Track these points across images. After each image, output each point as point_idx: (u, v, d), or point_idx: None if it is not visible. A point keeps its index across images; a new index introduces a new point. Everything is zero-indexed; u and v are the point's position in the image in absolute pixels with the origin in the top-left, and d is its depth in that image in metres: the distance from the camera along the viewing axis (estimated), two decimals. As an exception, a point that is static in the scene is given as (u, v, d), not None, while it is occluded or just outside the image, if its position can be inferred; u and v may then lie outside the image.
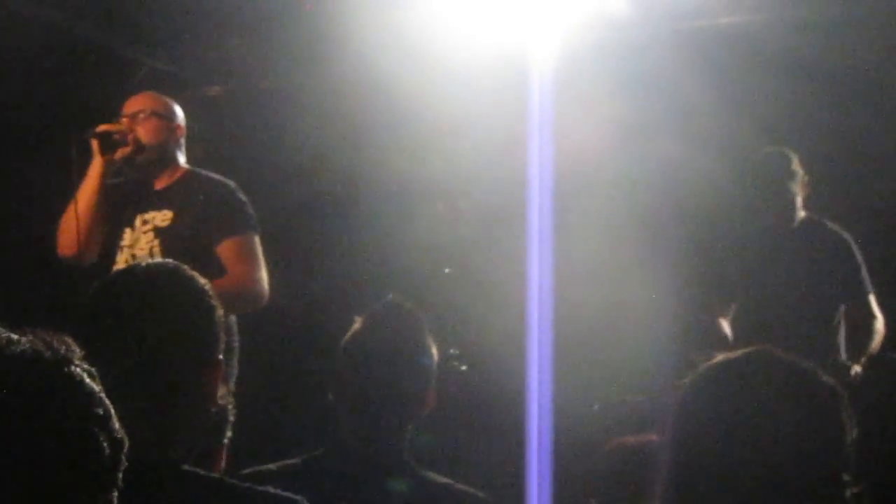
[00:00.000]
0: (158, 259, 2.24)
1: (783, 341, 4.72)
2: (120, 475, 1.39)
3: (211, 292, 2.08)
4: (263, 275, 4.22)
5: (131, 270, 2.24)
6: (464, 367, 5.81)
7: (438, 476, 2.65)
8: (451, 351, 5.73)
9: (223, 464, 3.01)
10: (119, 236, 4.26)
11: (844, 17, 5.57)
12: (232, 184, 4.37)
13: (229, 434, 3.02)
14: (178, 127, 4.37)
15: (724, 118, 5.61)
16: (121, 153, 4.23)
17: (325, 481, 2.01)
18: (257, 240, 4.26)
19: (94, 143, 4.19)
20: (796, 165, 5.12)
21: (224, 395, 2.96)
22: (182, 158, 4.38)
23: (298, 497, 1.97)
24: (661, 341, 5.03)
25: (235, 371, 4.25)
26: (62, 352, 1.38)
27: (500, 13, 5.45)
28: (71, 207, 4.16)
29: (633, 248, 5.66)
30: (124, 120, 4.26)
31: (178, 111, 4.41)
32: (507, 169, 5.68)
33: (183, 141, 4.39)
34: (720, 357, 1.79)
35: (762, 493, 1.65)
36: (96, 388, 1.39)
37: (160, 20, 5.65)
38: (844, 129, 5.33)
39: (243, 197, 4.34)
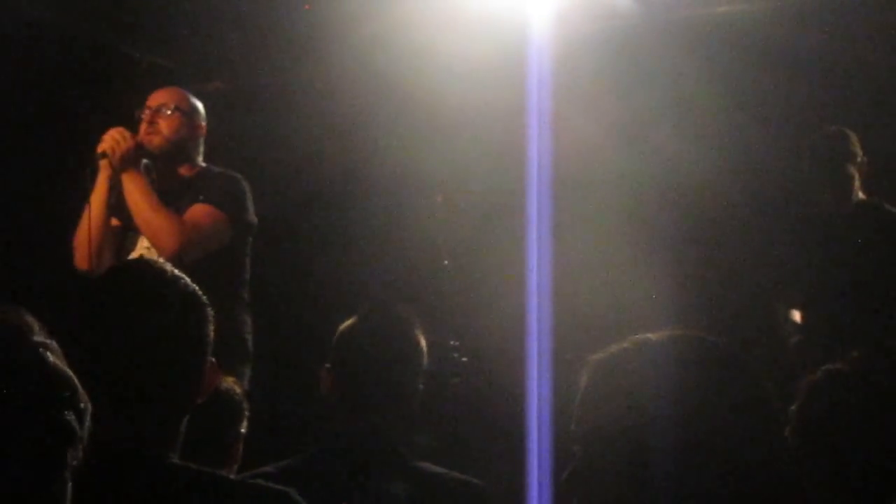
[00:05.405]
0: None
1: (841, 328, 4.66)
2: (79, 452, 1.41)
3: (200, 294, 2.11)
4: (184, 234, 4.03)
5: (127, 268, 2.27)
6: (464, 359, 5.80)
7: (434, 466, 2.67)
8: (452, 342, 5.74)
9: (240, 455, 3.03)
10: (134, 240, 4.24)
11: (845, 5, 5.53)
12: (239, 176, 4.34)
13: (245, 427, 3.05)
14: (200, 126, 4.35)
15: (723, 109, 5.57)
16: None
17: (323, 479, 2.03)
18: (224, 221, 4.17)
19: (103, 161, 4.12)
20: (855, 145, 4.91)
21: (231, 387, 2.96)
22: (199, 158, 4.37)
23: (290, 489, 1.97)
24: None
25: (249, 371, 4.24)
26: (21, 326, 1.39)
27: (496, 5, 5.45)
28: (84, 223, 4.13)
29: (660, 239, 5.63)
30: (147, 111, 4.24)
31: (202, 110, 4.39)
32: (505, 162, 5.67)
33: (202, 141, 4.37)
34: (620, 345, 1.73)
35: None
36: (59, 362, 1.40)
37: (158, 16, 5.64)
38: (845, 120, 5.24)
39: (242, 187, 4.30)
